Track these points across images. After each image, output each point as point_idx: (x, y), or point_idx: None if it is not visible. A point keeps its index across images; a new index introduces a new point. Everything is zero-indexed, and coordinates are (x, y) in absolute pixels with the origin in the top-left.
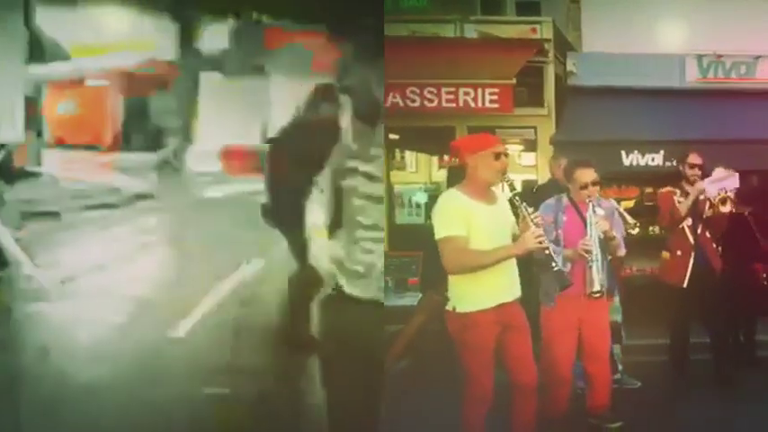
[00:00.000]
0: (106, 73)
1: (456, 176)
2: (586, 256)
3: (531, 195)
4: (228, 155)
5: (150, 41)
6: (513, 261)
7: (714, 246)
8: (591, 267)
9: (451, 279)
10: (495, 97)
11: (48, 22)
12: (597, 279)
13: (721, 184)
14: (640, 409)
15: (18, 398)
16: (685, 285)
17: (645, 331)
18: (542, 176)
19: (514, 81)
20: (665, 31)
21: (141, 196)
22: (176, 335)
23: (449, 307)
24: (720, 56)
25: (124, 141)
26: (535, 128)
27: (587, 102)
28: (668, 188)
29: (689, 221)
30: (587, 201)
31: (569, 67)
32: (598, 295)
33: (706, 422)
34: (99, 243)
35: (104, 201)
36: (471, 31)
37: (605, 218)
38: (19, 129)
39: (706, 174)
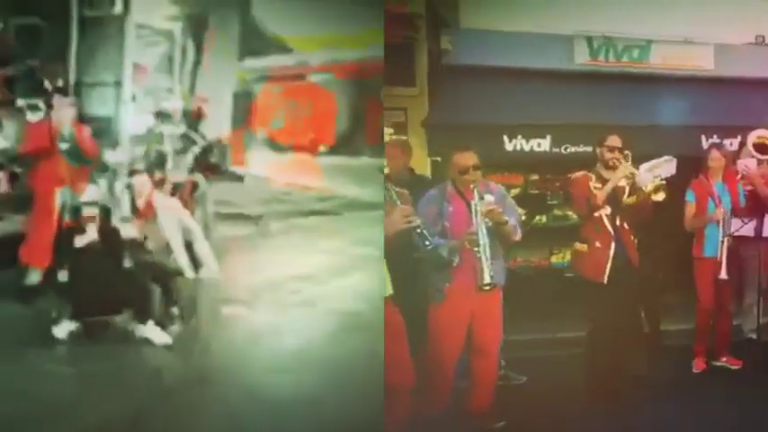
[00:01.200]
0: (330, 67)
1: None
2: (472, 246)
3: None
4: None
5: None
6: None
7: (632, 237)
8: (480, 258)
9: None
10: None
11: (267, 12)
12: (487, 270)
13: (657, 172)
14: (526, 407)
15: (202, 402)
16: (605, 281)
17: (531, 326)
18: None
19: None
20: (553, 10)
21: (359, 205)
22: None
23: None
24: (611, 38)
25: (344, 144)
26: (405, 109)
27: (465, 82)
28: (582, 172)
29: (607, 210)
30: (471, 187)
31: (444, 44)
32: (488, 288)
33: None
34: (306, 252)
35: (314, 207)
36: None
37: (496, 204)
38: (226, 126)
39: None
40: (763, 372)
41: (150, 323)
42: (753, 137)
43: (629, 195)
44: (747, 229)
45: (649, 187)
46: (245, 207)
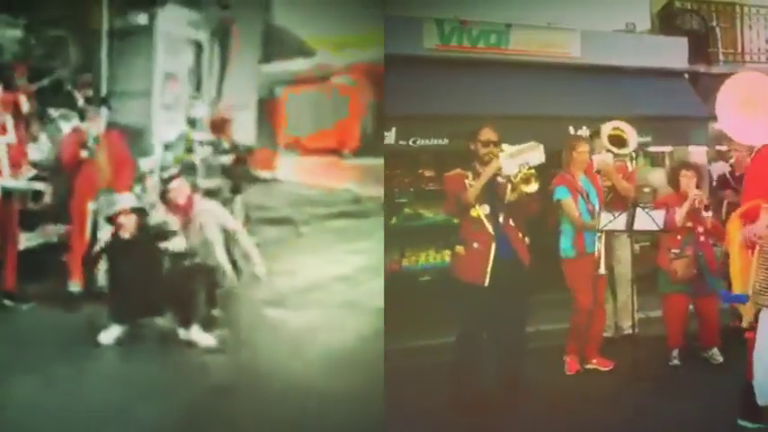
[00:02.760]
0: (352, 69)
1: None
2: None
3: None
4: None
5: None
6: None
7: (520, 235)
8: None
9: None
10: None
11: (289, 15)
12: None
13: (522, 159)
14: None
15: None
16: (486, 283)
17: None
18: None
19: None
20: None
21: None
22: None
23: None
24: (465, 21)
25: (369, 145)
26: None
27: None
28: (457, 170)
29: (486, 209)
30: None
31: None
32: None
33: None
34: (341, 253)
35: (344, 209)
36: None
37: None
38: (252, 131)
39: None
40: (639, 370)
41: (194, 326)
42: (608, 129)
43: (513, 191)
44: (618, 222)
45: (517, 177)
46: (276, 210)
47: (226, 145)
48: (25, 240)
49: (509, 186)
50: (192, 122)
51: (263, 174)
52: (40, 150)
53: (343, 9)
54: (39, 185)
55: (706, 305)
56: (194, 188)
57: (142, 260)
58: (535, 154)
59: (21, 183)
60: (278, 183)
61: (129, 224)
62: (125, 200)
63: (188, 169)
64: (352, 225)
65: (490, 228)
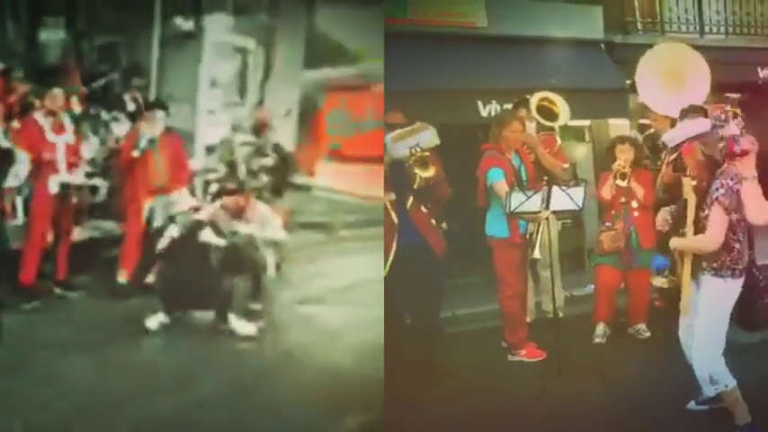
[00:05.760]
0: None
1: None
2: None
3: None
4: None
5: None
6: None
7: (432, 221)
8: None
9: None
10: None
11: (330, 21)
12: None
13: (411, 142)
14: None
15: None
16: (385, 274)
17: None
18: None
19: None
20: None
21: None
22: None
23: None
24: None
25: None
26: None
27: None
28: None
29: (391, 195)
30: None
31: None
32: None
33: None
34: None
35: (377, 217)
36: None
37: None
38: (293, 136)
39: None
40: (565, 358)
41: (235, 316)
42: (535, 100)
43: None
44: (533, 203)
45: (411, 161)
46: (313, 215)
47: (268, 149)
48: (78, 233)
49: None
50: (235, 127)
51: (304, 179)
52: (91, 149)
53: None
54: (96, 182)
55: (635, 279)
56: (239, 190)
57: (192, 257)
58: (425, 135)
59: (78, 179)
60: (317, 188)
61: (181, 221)
62: (182, 199)
63: (231, 174)
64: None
65: (394, 216)
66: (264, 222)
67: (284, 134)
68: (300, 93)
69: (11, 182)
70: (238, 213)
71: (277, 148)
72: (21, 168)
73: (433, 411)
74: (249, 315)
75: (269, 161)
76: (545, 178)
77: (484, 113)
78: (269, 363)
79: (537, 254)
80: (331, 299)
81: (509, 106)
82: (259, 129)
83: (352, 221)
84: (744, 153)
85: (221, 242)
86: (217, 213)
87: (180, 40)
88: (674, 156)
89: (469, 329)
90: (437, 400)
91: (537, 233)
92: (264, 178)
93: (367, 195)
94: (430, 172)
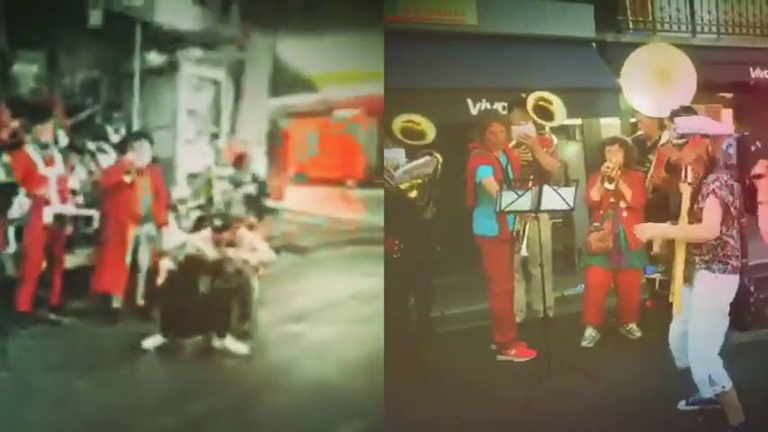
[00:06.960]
0: (356, 102)
1: None
2: None
3: None
4: None
5: None
6: None
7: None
8: None
9: None
10: None
11: (292, 51)
12: None
13: (415, 173)
14: None
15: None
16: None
17: None
18: None
19: None
20: None
21: None
22: None
23: None
24: None
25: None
26: None
27: None
28: None
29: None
30: None
31: None
32: None
33: None
34: (354, 276)
35: (352, 237)
36: None
37: None
38: (263, 163)
39: None
40: (556, 358)
41: (229, 336)
42: (532, 100)
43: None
44: (523, 202)
45: (404, 185)
46: (288, 239)
47: (247, 177)
48: (70, 261)
49: None
50: (214, 157)
51: (274, 204)
52: (78, 180)
53: (344, 45)
54: (89, 212)
55: (624, 279)
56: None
57: (188, 285)
58: (426, 168)
59: (71, 209)
60: (287, 212)
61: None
62: (175, 235)
63: (210, 204)
64: (361, 251)
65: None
66: (251, 247)
67: (259, 162)
68: (267, 121)
69: (14, 213)
70: (227, 243)
71: (254, 177)
72: (24, 200)
73: (425, 411)
74: (241, 335)
75: (250, 189)
76: (530, 177)
77: (474, 112)
78: (263, 379)
79: (524, 251)
80: (315, 316)
81: (500, 105)
82: (238, 161)
83: (325, 242)
84: (758, 177)
85: (212, 268)
86: (204, 243)
87: (158, 73)
88: (681, 141)
89: (459, 329)
90: (428, 400)
91: (524, 230)
92: (244, 207)
93: (336, 217)
94: (413, 194)
